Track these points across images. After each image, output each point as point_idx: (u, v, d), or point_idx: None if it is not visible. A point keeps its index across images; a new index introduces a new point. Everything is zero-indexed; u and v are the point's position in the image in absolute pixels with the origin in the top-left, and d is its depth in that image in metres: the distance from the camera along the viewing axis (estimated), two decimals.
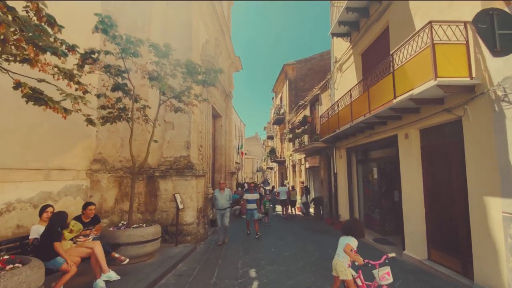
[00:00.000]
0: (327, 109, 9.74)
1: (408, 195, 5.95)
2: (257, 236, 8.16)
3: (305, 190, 14.02)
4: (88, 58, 4.91)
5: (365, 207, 9.27)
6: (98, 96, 5.18)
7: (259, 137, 57.05)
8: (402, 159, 6.13)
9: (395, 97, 5.10)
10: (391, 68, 5.26)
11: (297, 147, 13.50)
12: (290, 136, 13.93)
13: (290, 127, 14.62)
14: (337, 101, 8.50)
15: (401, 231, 7.73)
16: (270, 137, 28.13)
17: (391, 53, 5.31)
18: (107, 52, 5.21)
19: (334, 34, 9.18)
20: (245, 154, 58.23)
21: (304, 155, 14.99)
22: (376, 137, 7.25)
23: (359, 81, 7.06)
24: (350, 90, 7.46)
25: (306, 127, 11.69)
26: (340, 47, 10.07)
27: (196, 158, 8.00)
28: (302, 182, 15.54)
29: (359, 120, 6.78)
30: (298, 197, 14.63)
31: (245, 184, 29.44)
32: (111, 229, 5.39)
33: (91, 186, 6.68)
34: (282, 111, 20.82)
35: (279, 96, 23.56)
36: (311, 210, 13.74)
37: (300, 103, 15.57)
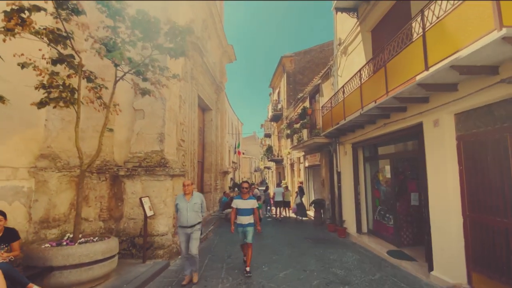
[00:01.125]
0: (330, 98, 8.40)
1: (438, 199, 4.61)
2: (246, 274, 5.06)
3: (300, 191, 12.78)
4: (13, 17, 3.59)
5: (374, 212, 7.93)
6: (22, 66, 3.80)
7: (257, 136, 55.71)
8: (429, 153, 4.79)
9: (426, 68, 3.76)
10: (421, 30, 3.92)
11: (296, 143, 12.16)
12: (288, 131, 12.59)
13: (288, 121, 13.27)
14: (343, 86, 7.16)
15: (420, 241, 6.42)
16: (268, 135, 26.79)
17: (421, 9, 3.96)
18: (40, 9, 3.85)
19: (338, 9, 7.85)
20: (243, 153, 57.02)
21: (303, 153, 13.66)
22: (391, 128, 5.91)
23: (372, 58, 5.71)
24: (360, 70, 6.12)
25: (305, 120, 10.36)
26: (345, 27, 8.74)
27: (173, 153, 6.64)
28: (301, 183, 14.20)
29: (370, 106, 5.44)
30: (292, 198, 13.37)
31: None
32: (44, 246, 4.01)
33: (36, 188, 5.32)
34: (279, 106, 19.48)
35: (277, 91, 22.22)
36: (310, 213, 12.40)
37: (299, 96, 14.23)
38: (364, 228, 8.10)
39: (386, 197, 7.56)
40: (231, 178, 34.31)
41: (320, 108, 9.68)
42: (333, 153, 9.50)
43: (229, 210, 11.35)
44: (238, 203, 5.62)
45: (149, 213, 5.56)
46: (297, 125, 11.56)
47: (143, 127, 6.22)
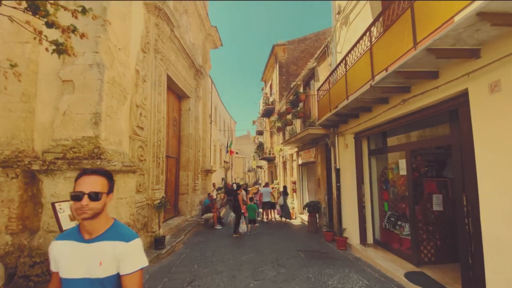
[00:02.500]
0: (328, 77, 6.77)
1: (498, 205, 3.00)
2: None
3: (283, 191, 11.53)
4: None
5: (382, 218, 6.34)
6: None
7: (251, 136, 54.03)
8: (480, 136, 3.18)
9: None
10: None
11: (288, 137, 10.53)
12: (279, 124, 10.95)
13: (279, 112, 11.64)
14: (345, 57, 5.54)
15: (446, 259, 4.85)
16: (260, 133, 25.15)
17: None
18: None
19: None
20: (236, 153, 55.34)
21: (296, 149, 12.04)
22: (413, 106, 4.31)
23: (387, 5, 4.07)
24: (370, 27, 4.50)
25: (298, 108, 8.72)
26: None
27: (116, 142, 4.93)
28: (294, 183, 12.57)
29: (384, 74, 3.83)
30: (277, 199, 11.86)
31: (234, 185, 26.35)
32: None
33: None
34: (271, 99, 17.85)
35: (269, 84, 20.61)
36: (303, 217, 10.77)
37: (292, 85, 12.60)
38: (370, 239, 6.49)
39: (397, 199, 5.98)
40: (222, 178, 32.65)
41: (316, 93, 8.06)
42: (331, 146, 7.88)
43: (209, 214, 9.68)
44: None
45: (66, 225, 3.84)
46: (289, 116, 9.92)
47: (72, 104, 4.50)
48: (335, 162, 7.58)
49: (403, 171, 5.43)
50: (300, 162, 11.88)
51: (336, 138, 7.50)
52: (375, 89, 4.34)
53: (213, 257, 6.09)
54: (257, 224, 9.34)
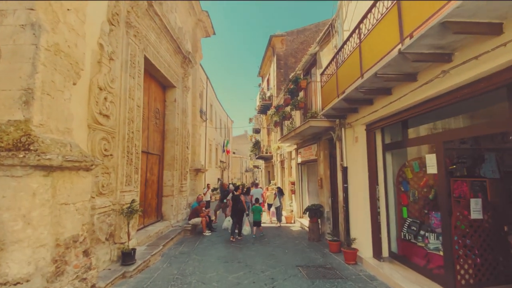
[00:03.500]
0: (335, 55, 5.64)
1: None
2: None
3: (278, 192, 10.90)
4: None
5: (401, 227, 5.22)
6: None
7: (248, 135, 52.84)
8: None
9: None
10: None
11: (286, 132, 9.40)
12: (276, 118, 9.82)
13: (276, 106, 10.51)
14: (362, 21, 4.39)
15: (491, 282, 3.74)
16: (257, 131, 24.01)
17: None
18: None
19: None
20: (233, 153, 54.25)
21: (295, 146, 10.90)
22: (459, 78, 3.18)
23: None
24: None
25: (298, 98, 7.58)
26: None
27: (61, 130, 3.75)
28: (293, 183, 11.43)
29: (421, 32, 2.71)
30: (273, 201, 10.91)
31: (230, 185, 25.23)
32: None
33: None
34: (268, 94, 16.72)
35: (266, 79, 19.48)
36: (303, 221, 9.65)
37: (290, 76, 11.46)
38: (385, 251, 5.37)
39: (419, 204, 4.88)
40: (219, 179, 31.50)
41: (318, 79, 6.93)
42: (337, 141, 6.75)
43: (197, 219, 8.52)
44: None
45: None
46: (288, 108, 8.78)
47: None
48: (341, 160, 6.45)
49: (432, 169, 4.29)
50: (299, 160, 10.75)
51: (343, 131, 6.37)
52: (404, 58, 3.21)
53: (193, 275, 4.93)
54: (261, 227, 8.70)
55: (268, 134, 19.12)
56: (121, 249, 5.18)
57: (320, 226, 7.89)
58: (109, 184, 5.14)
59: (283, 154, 13.40)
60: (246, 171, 54.32)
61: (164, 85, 9.04)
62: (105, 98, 5.07)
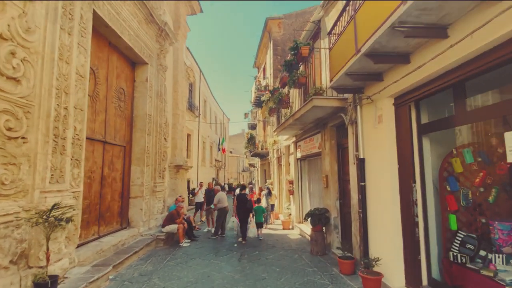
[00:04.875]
0: (345, 6, 3.96)
1: None
2: None
3: (267, 192, 10.26)
4: None
5: (446, 242, 3.58)
6: None
7: (245, 133, 51.15)
8: None
9: None
10: None
11: (283, 120, 7.74)
12: (272, 105, 8.16)
13: (271, 88, 8.86)
14: None
15: None
16: (253, 127, 22.37)
17: None
18: None
19: None
20: (230, 152, 52.65)
21: (294, 139, 9.24)
22: None
23: None
24: None
25: (298, 72, 5.89)
26: None
27: None
28: (291, 183, 9.75)
29: None
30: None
31: (225, 186, 23.46)
32: None
33: None
34: (264, 84, 15.06)
35: (262, 68, 17.82)
36: (303, 227, 7.99)
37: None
38: (424, 279, 3.71)
39: (472, 210, 3.24)
40: (213, 178, 29.85)
41: (328, 37, 5.26)
42: (349, 126, 5.10)
43: (173, 227, 6.86)
44: None
45: None
46: (285, 90, 7.11)
47: None
48: (356, 150, 4.78)
49: None
50: (298, 155, 9.09)
51: (358, 110, 4.71)
52: None
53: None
54: (263, 228, 8.39)
55: (264, 129, 17.47)
56: (37, 277, 3.49)
57: (325, 236, 6.22)
58: (17, 181, 3.45)
59: (280, 149, 11.73)
60: (243, 170, 52.76)
61: (133, 61, 7.34)
62: (13, 53, 3.39)
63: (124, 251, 5.73)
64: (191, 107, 20.09)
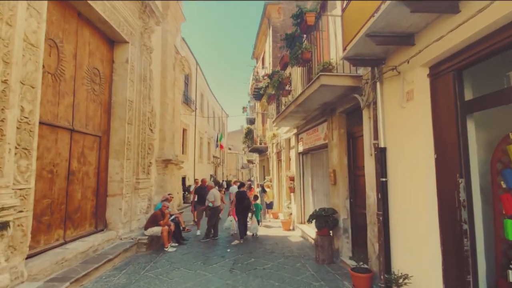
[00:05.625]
0: None
1: None
2: None
3: (262, 191, 10.21)
4: None
5: (501, 256, 2.66)
6: None
7: (244, 129, 50.15)
8: None
9: None
10: None
11: (284, 109, 6.81)
12: (271, 91, 7.23)
13: (270, 73, 7.92)
14: None
15: None
16: (251, 121, 21.42)
17: None
18: None
19: None
20: (229, 149, 51.76)
21: (295, 130, 8.31)
22: None
23: None
24: None
25: (302, 45, 4.93)
26: None
27: None
28: (292, 179, 8.83)
29: None
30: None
31: (223, 183, 22.52)
32: None
33: None
34: (262, 73, 14.09)
35: (261, 58, 16.84)
36: (305, 229, 7.10)
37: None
38: None
39: None
40: (211, 175, 29.01)
41: (336, 19, 4.31)
42: (365, 108, 4.17)
43: (156, 229, 5.95)
44: None
45: None
46: (286, 72, 6.16)
47: None
48: (375, 137, 3.85)
49: None
50: (300, 149, 8.17)
51: (378, 88, 3.77)
52: None
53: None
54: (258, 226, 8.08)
55: (263, 122, 16.55)
56: None
57: (333, 243, 5.31)
58: None
59: (280, 142, 10.80)
60: (242, 167, 51.96)
61: (111, 39, 6.38)
62: None
63: (94, 260, 4.82)
64: (187, 100, 19.13)
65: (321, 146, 6.49)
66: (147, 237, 6.17)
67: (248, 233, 7.53)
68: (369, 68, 4.00)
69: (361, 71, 4.33)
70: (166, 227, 6.14)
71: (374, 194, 3.97)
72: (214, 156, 32.38)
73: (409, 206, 3.28)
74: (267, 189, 11.05)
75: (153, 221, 6.20)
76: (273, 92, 7.07)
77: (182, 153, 18.57)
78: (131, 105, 6.60)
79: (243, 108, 21.01)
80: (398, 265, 3.42)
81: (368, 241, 4.20)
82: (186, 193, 16.90)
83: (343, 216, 5.18)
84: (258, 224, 8.11)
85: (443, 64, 2.90)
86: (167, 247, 6.09)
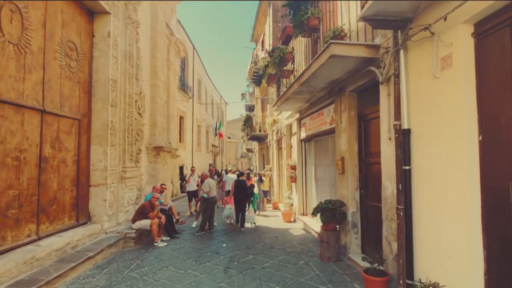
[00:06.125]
0: None
1: None
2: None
3: (258, 178, 9.89)
4: None
5: None
6: None
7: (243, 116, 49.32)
8: None
9: None
10: None
11: (284, 91, 6.12)
12: (272, 70, 6.53)
13: (269, 50, 7.19)
14: None
15: None
16: (251, 108, 20.69)
17: None
18: None
19: None
20: (229, 138, 51.14)
21: (297, 115, 7.65)
22: None
23: None
24: None
25: (309, 11, 4.20)
26: None
27: None
28: (293, 168, 8.24)
29: None
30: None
31: (222, 172, 22.10)
32: None
33: None
34: (262, 55, 13.27)
35: (261, 40, 15.94)
36: (308, 221, 6.58)
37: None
38: None
39: None
40: (210, 164, 28.53)
41: None
42: (384, 82, 3.50)
43: (144, 222, 5.41)
44: None
45: None
46: (289, 46, 5.45)
47: None
48: (396, 117, 3.20)
49: None
50: (303, 135, 7.54)
51: (402, 57, 3.10)
52: None
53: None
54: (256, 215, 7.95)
55: (263, 109, 15.85)
56: None
57: (341, 238, 4.76)
58: None
59: (280, 129, 10.16)
60: (242, 156, 51.56)
61: (90, 10, 5.61)
62: None
63: (72, 258, 4.27)
64: (183, 86, 18.35)
65: (326, 131, 5.85)
66: (135, 230, 5.62)
67: (248, 224, 7.26)
68: (389, 36, 3.33)
69: (378, 40, 3.64)
70: (156, 220, 5.59)
71: (392, 185, 3.36)
72: (213, 145, 31.83)
73: (439, 200, 2.68)
74: (263, 178, 10.65)
75: (141, 213, 5.63)
76: (274, 72, 6.36)
77: (179, 141, 17.97)
78: (115, 85, 5.91)
79: (242, 94, 20.21)
80: (423, 270, 2.85)
81: (383, 239, 3.64)
82: (184, 182, 16.39)
83: (352, 209, 4.61)
84: (255, 213, 7.91)
85: (495, 18, 2.23)
86: (157, 242, 5.56)
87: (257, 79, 14.83)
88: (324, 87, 5.04)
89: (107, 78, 5.69)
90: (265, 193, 10.64)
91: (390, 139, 3.43)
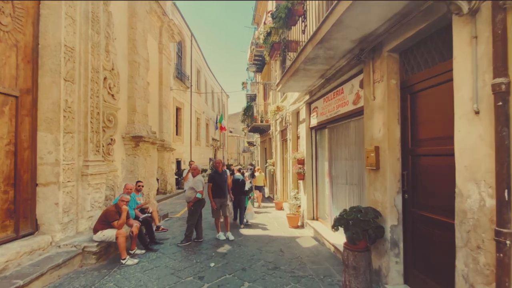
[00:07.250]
0: None
1: None
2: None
3: (250, 173, 9.25)
4: None
5: None
6: None
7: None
8: None
9: None
10: None
11: (290, 64, 4.69)
12: (275, 38, 5.11)
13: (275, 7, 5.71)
14: None
15: None
16: (252, 98, 19.23)
17: None
18: None
19: None
20: (230, 132, 49.91)
21: (307, 98, 6.21)
22: None
23: None
24: None
25: None
26: None
27: None
28: (301, 162, 6.81)
29: None
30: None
31: (224, 167, 20.77)
32: None
33: None
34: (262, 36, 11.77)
35: (263, 22, 14.43)
36: (319, 227, 5.21)
37: None
38: None
39: None
40: (211, 159, 27.26)
41: None
42: (468, 17, 2.08)
43: (109, 233, 4.05)
44: None
45: None
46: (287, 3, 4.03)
47: None
48: (499, 71, 1.79)
49: None
50: (314, 122, 6.13)
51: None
52: None
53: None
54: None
55: (265, 97, 14.41)
56: None
57: (370, 257, 3.38)
58: None
59: (285, 117, 8.73)
60: (244, 151, 50.35)
61: None
62: None
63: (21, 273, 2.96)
64: (180, 75, 16.96)
65: (347, 114, 4.44)
66: (97, 243, 4.30)
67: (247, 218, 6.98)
68: None
69: None
70: (123, 231, 4.25)
71: (482, 190, 1.97)
72: (213, 139, 30.55)
73: None
74: (256, 174, 9.55)
75: (105, 220, 4.30)
76: (278, 39, 4.94)
77: (176, 134, 16.65)
78: (72, 54, 4.53)
79: (243, 83, 18.69)
80: None
81: (456, 275, 2.25)
82: (181, 179, 15.06)
83: (392, 221, 3.22)
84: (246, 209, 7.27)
85: None
86: (125, 259, 4.23)
87: (259, 63, 13.40)
88: (349, 49, 3.61)
89: (59, 44, 4.31)
90: (259, 188, 9.64)
91: (477, 112, 2.02)
